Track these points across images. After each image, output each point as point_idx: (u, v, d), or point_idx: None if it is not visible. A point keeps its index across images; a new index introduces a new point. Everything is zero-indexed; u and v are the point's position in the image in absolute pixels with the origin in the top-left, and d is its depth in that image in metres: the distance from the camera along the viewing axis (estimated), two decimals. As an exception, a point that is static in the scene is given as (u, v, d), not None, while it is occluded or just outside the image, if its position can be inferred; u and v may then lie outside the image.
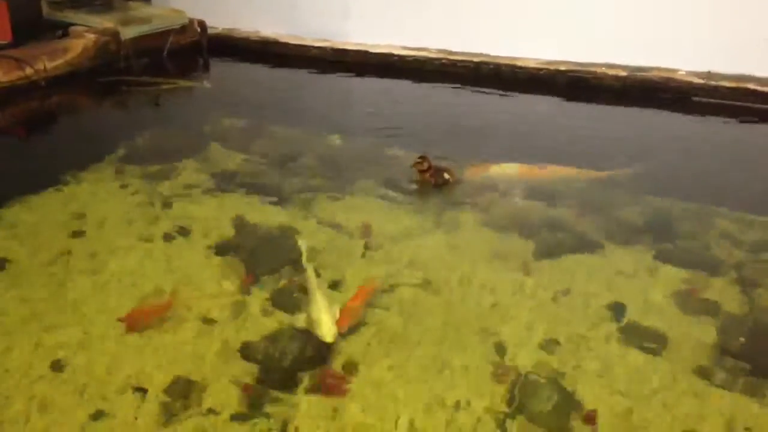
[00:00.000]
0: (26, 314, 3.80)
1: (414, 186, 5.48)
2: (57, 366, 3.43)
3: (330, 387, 3.34)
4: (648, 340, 3.70)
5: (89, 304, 3.91)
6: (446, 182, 5.49)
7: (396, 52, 8.70)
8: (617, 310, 3.95)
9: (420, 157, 5.49)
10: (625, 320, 3.86)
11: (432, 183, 5.48)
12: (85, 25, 8.35)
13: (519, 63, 8.13)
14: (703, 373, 3.49)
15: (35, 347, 3.56)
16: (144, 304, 3.92)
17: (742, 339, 3.74)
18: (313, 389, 3.32)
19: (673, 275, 4.30)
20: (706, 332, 3.78)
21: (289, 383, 3.36)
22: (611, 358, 3.56)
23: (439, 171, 5.51)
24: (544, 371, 3.46)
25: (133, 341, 3.61)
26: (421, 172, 5.48)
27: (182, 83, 8.07)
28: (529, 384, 3.37)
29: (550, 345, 3.64)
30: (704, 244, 4.69)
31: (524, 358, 3.54)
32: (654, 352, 3.61)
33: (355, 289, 4.05)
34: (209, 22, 9.28)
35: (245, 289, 4.08)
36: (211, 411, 3.17)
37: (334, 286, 4.13)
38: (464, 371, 3.45)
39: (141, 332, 3.66)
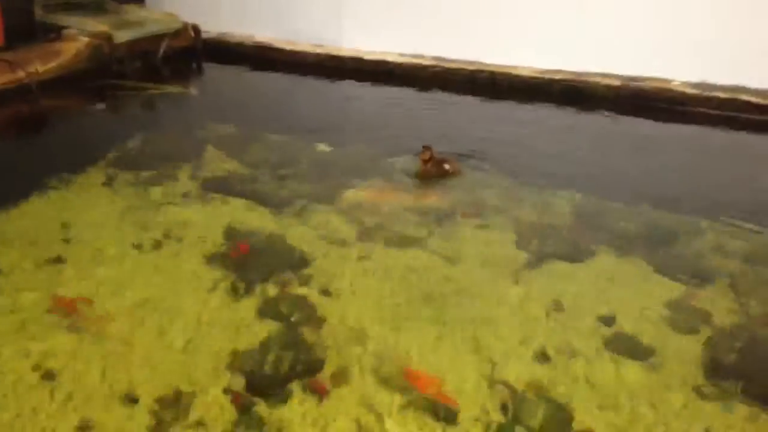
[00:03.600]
0: (15, 322, 3.75)
1: (415, 178, 5.61)
2: (46, 375, 3.38)
3: (321, 395, 3.30)
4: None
5: (77, 312, 3.85)
6: (446, 173, 5.57)
7: (391, 58, 8.68)
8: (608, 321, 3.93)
9: (424, 147, 5.62)
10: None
11: (433, 173, 5.60)
12: (78, 29, 8.31)
13: (514, 71, 8.11)
14: (696, 387, 3.45)
15: (24, 356, 3.51)
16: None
17: (733, 353, 3.72)
18: (305, 397, 3.28)
19: (667, 286, 4.28)
20: (698, 345, 3.76)
21: (280, 392, 3.32)
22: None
23: (440, 162, 5.64)
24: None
25: (123, 350, 3.56)
26: (424, 161, 5.60)
27: (169, 89, 8.01)
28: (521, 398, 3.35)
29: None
30: (698, 254, 4.67)
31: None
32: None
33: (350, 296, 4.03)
34: (203, 27, 9.25)
35: (239, 258, 4.14)
36: (199, 423, 3.13)
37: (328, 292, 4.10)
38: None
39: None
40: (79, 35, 8.18)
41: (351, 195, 5.34)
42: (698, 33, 7.26)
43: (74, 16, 8.52)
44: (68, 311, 3.87)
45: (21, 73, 7.35)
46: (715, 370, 3.58)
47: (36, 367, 3.43)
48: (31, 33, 8.04)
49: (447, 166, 5.67)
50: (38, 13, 8.28)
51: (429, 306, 4.01)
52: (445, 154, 5.81)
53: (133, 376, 3.38)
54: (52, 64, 7.72)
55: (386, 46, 8.80)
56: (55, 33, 8.22)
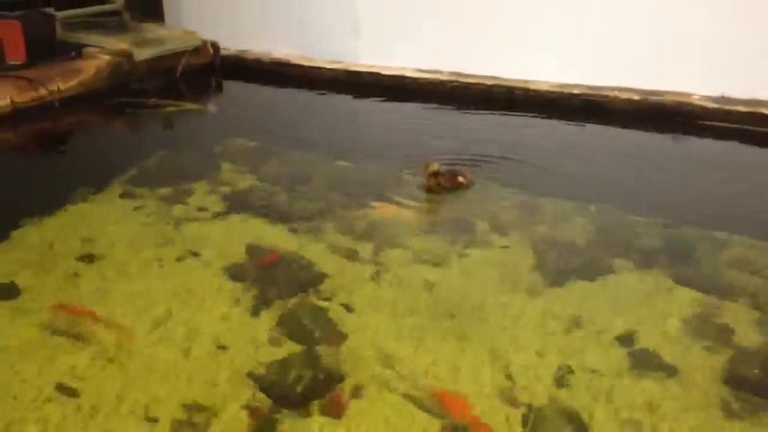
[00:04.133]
0: (34, 338, 3.77)
1: (423, 195, 5.57)
2: (66, 390, 3.39)
3: (340, 412, 3.29)
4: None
5: (99, 327, 3.87)
6: (460, 185, 5.52)
7: (408, 74, 8.71)
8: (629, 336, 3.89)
9: (427, 163, 5.58)
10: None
11: (448, 187, 5.53)
12: (99, 47, 8.39)
13: (531, 86, 8.11)
14: (719, 403, 3.41)
15: (44, 373, 3.52)
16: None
17: (756, 369, 3.67)
18: (324, 414, 3.27)
19: (688, 301, 4.23)
20: (721, 361, 3.72)
21: (300, 408, 3.31)
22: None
23: (453, 175, 5.57)
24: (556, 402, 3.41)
25: (142, 366, 3.57)
26: (434, 176, 5.52)
27: (187, 106, 8.06)
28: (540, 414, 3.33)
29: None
30: (719, 270, 4.63)
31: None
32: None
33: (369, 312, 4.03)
34: (222, 44, 9.33)
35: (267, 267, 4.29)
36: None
37: (347, 308, 4.10)
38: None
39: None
40: (100, 53, 8.27)
41: (368, 211, 5.34)
42: (716, 47, 7.24)
43: (95, 35, 8.62)
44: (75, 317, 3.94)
45: (43, 91, 7.44)
46: (738, 386, 3.53)
47: (57, 385, 3.44)
48: (53, 51, 8.13)
49: (461, 179, 5.61)
50: (59, 31, 8.37)
51: (448, 322, 3.99)
52: (456, 165, 5.81)
53: (152, 393, 3.39)
54: (73, 82, 7.80)
55: (403, 62, 8.83)
56: (76, 51, 8.31)
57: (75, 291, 4.23)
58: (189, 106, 8.09)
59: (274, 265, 4.57)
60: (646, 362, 3.69)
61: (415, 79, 8.66)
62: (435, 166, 5.56)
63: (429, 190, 5.61)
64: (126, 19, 9.33)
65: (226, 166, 6.16)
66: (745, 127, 7.18)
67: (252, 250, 4.75)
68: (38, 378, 3.47)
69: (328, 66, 9.16)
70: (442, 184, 5.57)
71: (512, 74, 8.26)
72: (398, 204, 5.46)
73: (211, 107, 8.19)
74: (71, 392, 3.39)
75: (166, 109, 7.88)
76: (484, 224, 5.15)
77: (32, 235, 4.91)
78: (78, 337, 3.78)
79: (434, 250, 4.79)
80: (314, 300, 4.18)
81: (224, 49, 9.39)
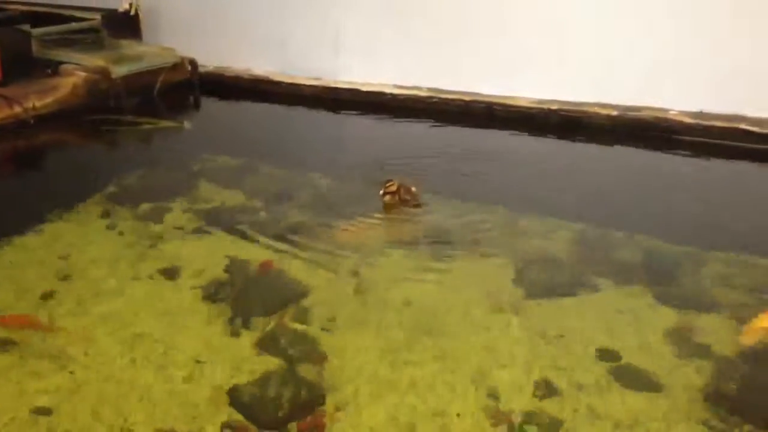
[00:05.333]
0: (10, 360, 3.70)
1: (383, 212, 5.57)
2: (41, 411, 3.32)
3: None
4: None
5: (75, 347, 3.80)
6: (409, 201, 5.62)
7: (388, 90, 8.71)
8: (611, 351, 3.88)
9: (388, 181, 5.60)
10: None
11: (405, 203, 5.62)
12: (76, 63, 8.33)
13: (511, 102, 8.13)
14: (700, 417, 3.40)
15: (19, 394, 3.45)
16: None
17: (735, 383, 3.67)
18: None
19: (669, 316, 4.23)
20: (702, 375, 3.72)
21: (281, 427, 3.28)
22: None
23: (407, 190, 5.65)
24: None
25: (119, 387, 3.51)
26: (391, 194, 5.56)
27: (163, 123, 8.01)
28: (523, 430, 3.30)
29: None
30: (700, 285, 4.63)
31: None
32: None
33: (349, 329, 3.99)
34: (200, 61, 9.28)
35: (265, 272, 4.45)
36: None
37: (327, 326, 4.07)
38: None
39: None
40: (77, 70, 8.20)
41: (346, 227, 5.32)
42: (696, 62, 7.30)
43: (71, 51, 8.55)
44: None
45: (18, 109, 7.36)
46: (718, 400, 3.52)
47: (31, 406, 3.36)
48: (29, 68, 8.05)
49: (413, 189, 5.68)
50: (35, 48, 8.30)
51: (429, 338, 3.97)
52: (405, 181, 5.77)
53: (130, 413, 3.33)
54: (49, 99, 7.73)
55: (383, 78, 8.83)
56: (52, 68, 8.24)
57: (51, 311, 4.15)
58: (165, 123, 8.04)
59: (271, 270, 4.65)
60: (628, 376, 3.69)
61: (394, 96, 8.65)
62: (395, 185, 5.60)
63: (386, 207, 5.62)
64: (103, 36, 9.26)
65: (204, 184, 6.11)
66: (725, 141, 7.21)
67: (231, 267, 4.71)
68: (12, 400, 3.42)
69: (307, 82, 9.14)
70: (399, 201, 5.60)
71: (491, 90, 8.26)
72: (376, 219, 5.45)
73: (187, 124, 8.13)
74: (45, 412, 3.33)
75: (142, 127, 7.81)
76: (464, 239, 5.15)
77: (7, 254, 4.84)
78: (54, 358, 3.72)
79: (414, 266, 4.78)
80: (294, 318, 4.13)
81: (203, 66, 9.35)
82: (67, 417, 3.30)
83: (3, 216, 5.46)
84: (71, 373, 3.61)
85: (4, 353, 3.75)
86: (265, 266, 4.74)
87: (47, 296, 4.31)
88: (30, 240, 5.03)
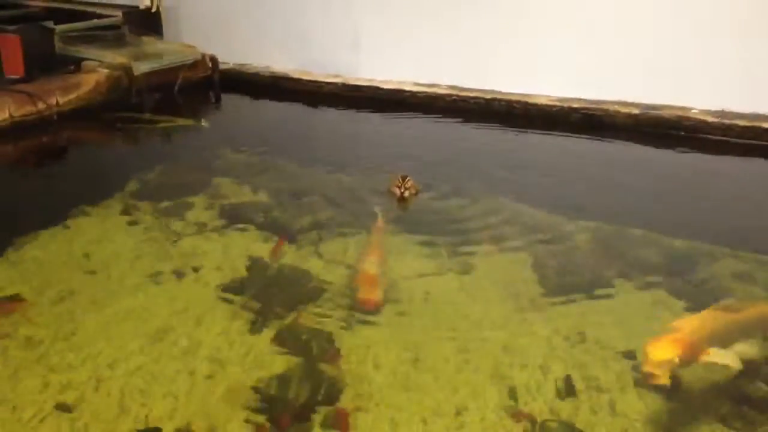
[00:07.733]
0: (33, 355, 3.74)
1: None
2: (63, 407, 3.35)
3: (344, 427, 3.26)
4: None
5: (96, 343, 3.84)
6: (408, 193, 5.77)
7: (407, 87, 8.71)
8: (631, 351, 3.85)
9: (404, 177, 5.81)
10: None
11: (414, 193, 5.83)
12: (98, 60, 8.40)
13: (531, 100, 8.11)
14: (722, 417, 3.38)
15: (42, 388, 3.49)
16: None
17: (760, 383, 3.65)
18: (326, 428, 3.25)
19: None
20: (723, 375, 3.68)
21: (302, 423, 3.29)
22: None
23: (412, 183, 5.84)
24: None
25: (140, 382, 3.54)
26: (407, 189, 5.78)
27: (180, 121, 8.05)
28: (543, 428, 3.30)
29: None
30: (719, 283, 4.60)
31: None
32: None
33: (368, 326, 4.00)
34: (221, 58, 9.32)
35: (279, 254, 4.69)
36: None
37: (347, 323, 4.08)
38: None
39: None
40: (99, 67, 8.27)
41: (367, 224, 5.32)
42: (718, 61, 7.25)
43: (93, 48, 8.61)
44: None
45: (41, 105, 7.42)
46: (740, 400, 3.50)
47: (55, 400, 3.40)
48: (51, 65, 8.12)
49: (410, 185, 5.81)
50: (58, 45, 8.36)
51: (449, 336, 3.97)
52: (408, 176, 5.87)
53: (152, 409, 3.36)
54: (72, 96, 7.79)
55: (402, 76, 8.83)
56: (74, 65, 8.30)
57: (74, 307, 4.18)
58: (182, 121, 8.07)
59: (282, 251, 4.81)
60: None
61: (414, 93, 8.65)
62: (408, 180, 5.79)
63: (402, 199, 5.77)
64: (125, 33, 9.33)
65: (224, 180, 6.14)
66: (746, 140, 7.16)
67: (251, 264, 4.73)
68: (35, 393, 3.45)
69: (327, 80, 9.16)
70: (411, 189, 5.78)
71: (511, 88, 8.25)
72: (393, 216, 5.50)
73: (204, 123, 8.16)
74: (68, 407, 3.36)
75: (159, 125, 7.85)
76: (484, 238, 5.15)
77: (32, 250, 4.87)
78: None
79: (434, 264, 4.79)
80: (313, 314, 4.14)
81: (223, 63, 9.38)
82: (89, 411, 3.33)
83: (27, 211, 5.52)
84: (94, 368, 3.64)
85: (28, 348, 3.79)
86: (277, 248, 4.89)
87: (70, 292, 4.34)
88: (53, 236, 5.07)
